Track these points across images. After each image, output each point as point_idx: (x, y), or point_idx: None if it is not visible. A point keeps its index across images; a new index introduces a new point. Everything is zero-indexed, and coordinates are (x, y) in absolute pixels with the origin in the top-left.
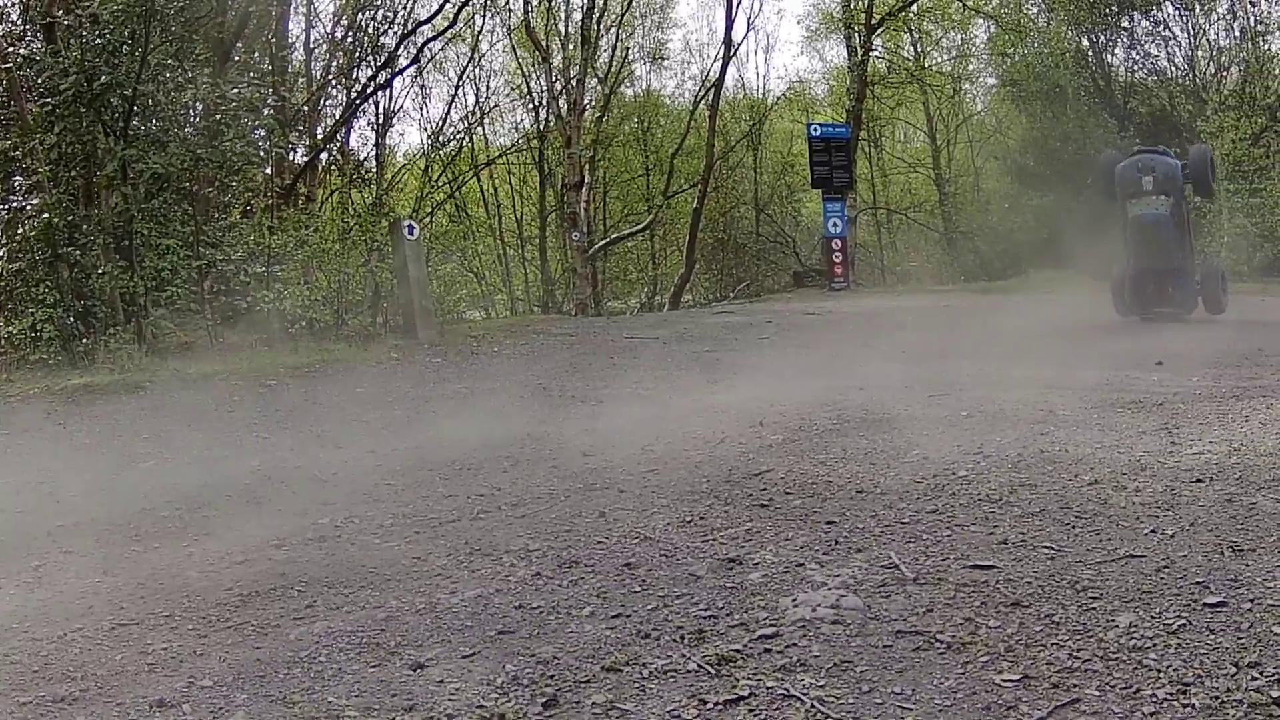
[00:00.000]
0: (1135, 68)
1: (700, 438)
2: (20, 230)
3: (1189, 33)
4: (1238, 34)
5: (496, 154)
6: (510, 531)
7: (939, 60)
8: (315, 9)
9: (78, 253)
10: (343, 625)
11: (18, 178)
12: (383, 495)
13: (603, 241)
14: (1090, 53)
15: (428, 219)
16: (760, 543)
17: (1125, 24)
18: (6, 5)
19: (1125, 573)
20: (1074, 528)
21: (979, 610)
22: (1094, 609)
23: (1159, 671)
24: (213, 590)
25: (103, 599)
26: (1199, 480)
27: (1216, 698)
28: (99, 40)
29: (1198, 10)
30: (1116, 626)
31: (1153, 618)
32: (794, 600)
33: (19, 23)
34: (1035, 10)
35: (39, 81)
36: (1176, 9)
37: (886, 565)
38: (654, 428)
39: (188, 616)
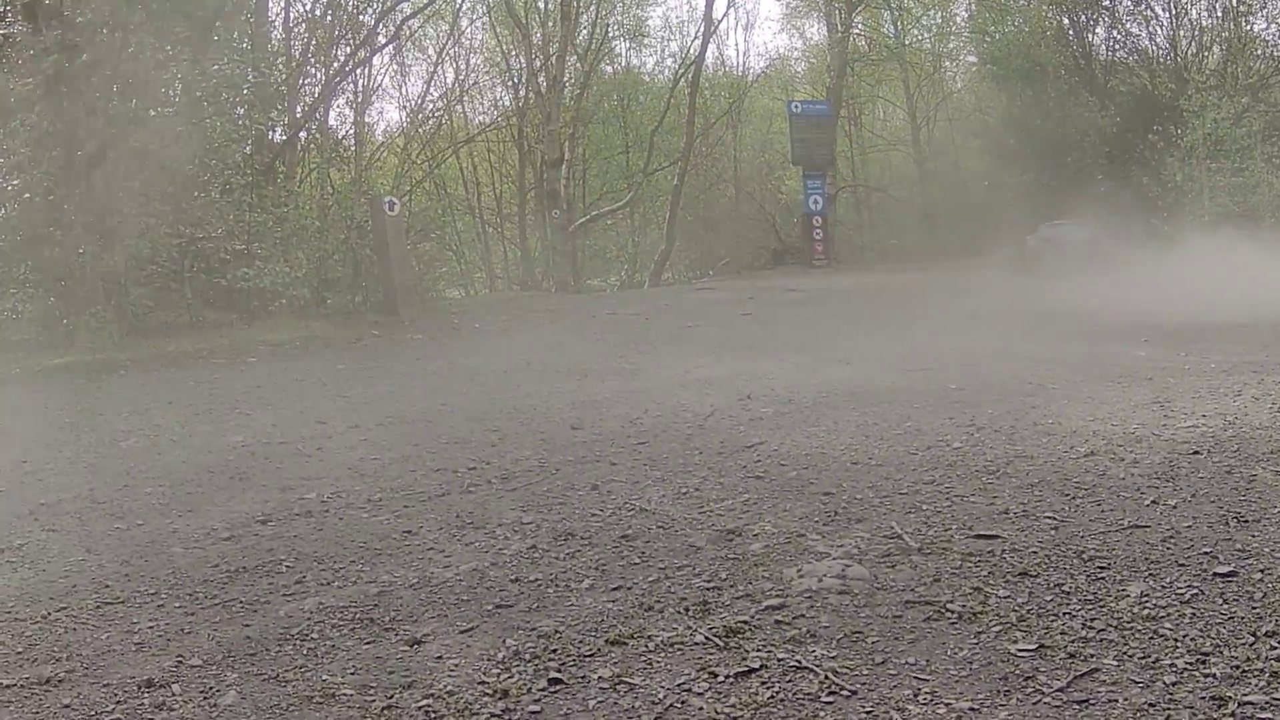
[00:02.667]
0: (1116, 47)
1: (689, 411)
2: (1, 211)
3: (1171, 12)
4: (1219, 14)
5: (476, 131)
6: (502, 504)
7: (919, 38)
8: None
9: (58, 233)
10: (334, 601)
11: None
12: (369, 470)
13: (582, 219)
14: (1071, 31)
15: (407, 197)
16: (758, 514)
17: (1106, 3)
18: None
19: (1131, 543)
20: (1074, 498)
21: (987, 580)
22: (1103, 579)
23: (1176, 641)
24: (199, 567)
25: (87, 578)
26: (1196, 452)
27: (1237, 667)
28: (80, 19)
29: None
30: (1128, 596)
31: (1164, 587)
32: (798, 571)
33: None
34: None
35: (19, 62)
36: None
37: (889, 535)
38: (641, 401)
39: (174, 594)
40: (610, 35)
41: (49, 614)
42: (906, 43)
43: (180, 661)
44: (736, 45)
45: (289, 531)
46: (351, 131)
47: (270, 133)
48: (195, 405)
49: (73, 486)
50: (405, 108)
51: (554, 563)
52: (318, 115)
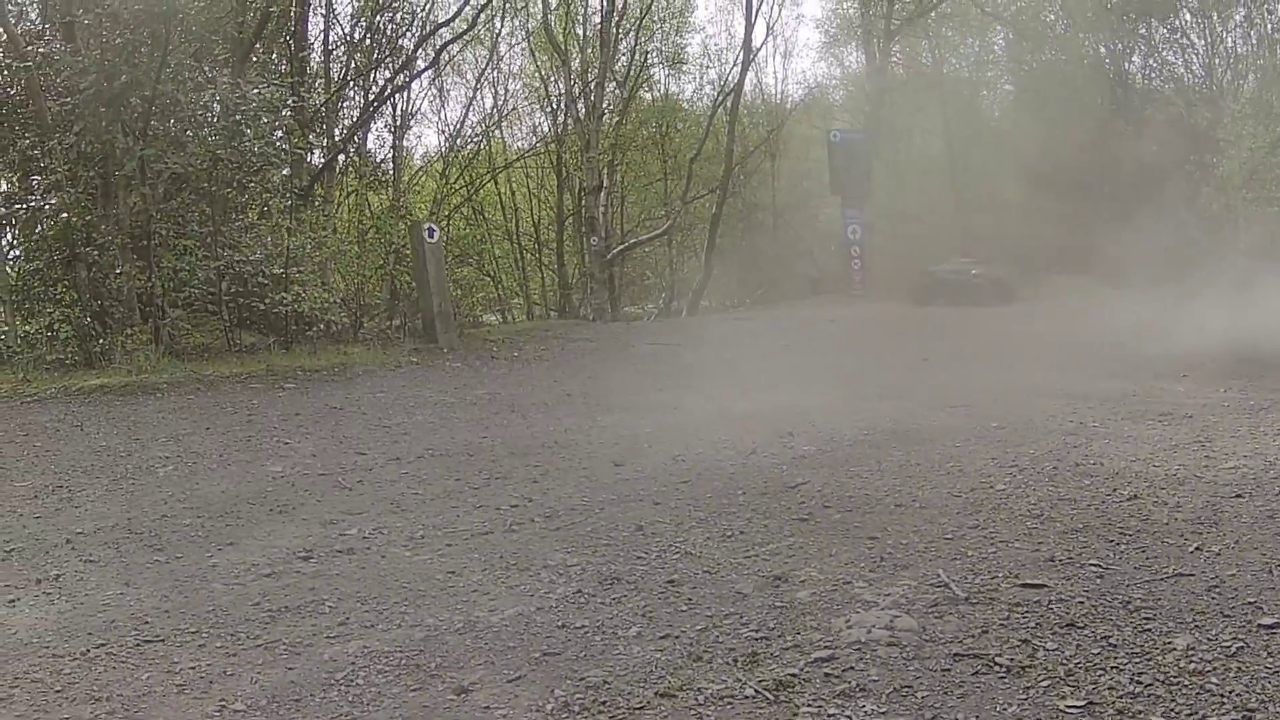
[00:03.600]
0: (1152, 75)
1: (731, 448)
2: (38, 230)
3: (1206, 40)
4: (1255, 41)
5: (514, 157)
6: (546, 545)
7: (957, 66)
8: (334, 10)
9: (95, 253)
10: (379, 645)
11: (36, 177)
12: (410, 505)
13: (621, 246)
14: (1107, 60)
15: (445, 222)
16: (804, 559)
17: (1143, 31)
18: (25, 3)
19: (1176, 592)
20: (1119, 545)
21: (1035, 631)
22: (1149, 630)
23: (1222, 697)
24: (240, 605)
25: (125, 613)
26: (1238, 495)
27: None
28: (119, 40)
29: (1215, 17)
30: (1174, 649)
31: (1209, 640)
32: (847, 621)
33: (38, 21)
34: (1053, 17)
35: (58, 81)
36: (1194, 16)
37: (936, 584)
38: (682, 436)
39: (215, 633)
40: (649, 62)
41: (87, 650)
42: (944, 71)
43: (223, 706)
44: (775, 73)
45: (331, 569)
46: (390, 155)
47: (309, 156)
48: (233, 432)
49: (110, 515)
50: (444, 132)
51: (600, 608)
52: (356, 138)
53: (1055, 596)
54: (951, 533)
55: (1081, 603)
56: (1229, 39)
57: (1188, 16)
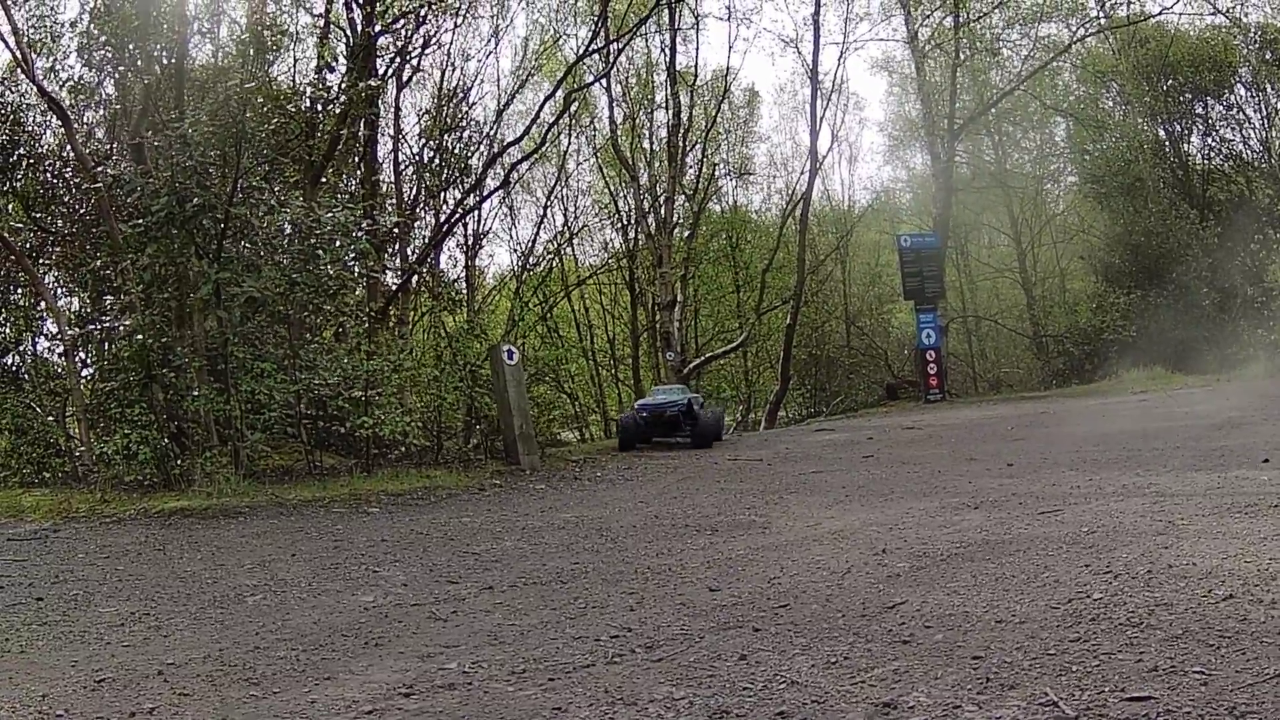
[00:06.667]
0: (1212, 154)
1: (825, 568)
2: (112, 349)
3: (1262, 113)
4: None
5: (587, 274)
6: (650, 678)
7: (1020, 161)
8: (402, 131)
9: (171, 374)
10: None
11: (109, 297)
12: (508, 637)
13: (697, 360)
14: (1167, 143)
15: (520, 341)
16: (911, 682)
17: (1199, 110)
18: (92, 124)
19: (1279, 693)
20: (1219, 649)
21: None
22: None
23: None
24: None
25: None
26: None
27: None
28: (189, 162)
29: (1269, 90)
30: None
31: None
32: None
33: (105, 141)
34: (1111, 104)
35: (128, 201)
36: (1248, 90)
37: (1045, 703)
38: (776, 557)
39: None
40: (716, 174)
41: None
42: (1008, 167)
43: None
44: (841, 179)
45: (434, 706)
46: (463, 274)
47: (382, 276)
48: (320, 559)
49: (201, 645)
50: (516, 250)
51: None
52: (429, 259)
53: (1162, 709)
54: (1054, 647)
55: (1189, 712)
56: None
57: (1242, 91)
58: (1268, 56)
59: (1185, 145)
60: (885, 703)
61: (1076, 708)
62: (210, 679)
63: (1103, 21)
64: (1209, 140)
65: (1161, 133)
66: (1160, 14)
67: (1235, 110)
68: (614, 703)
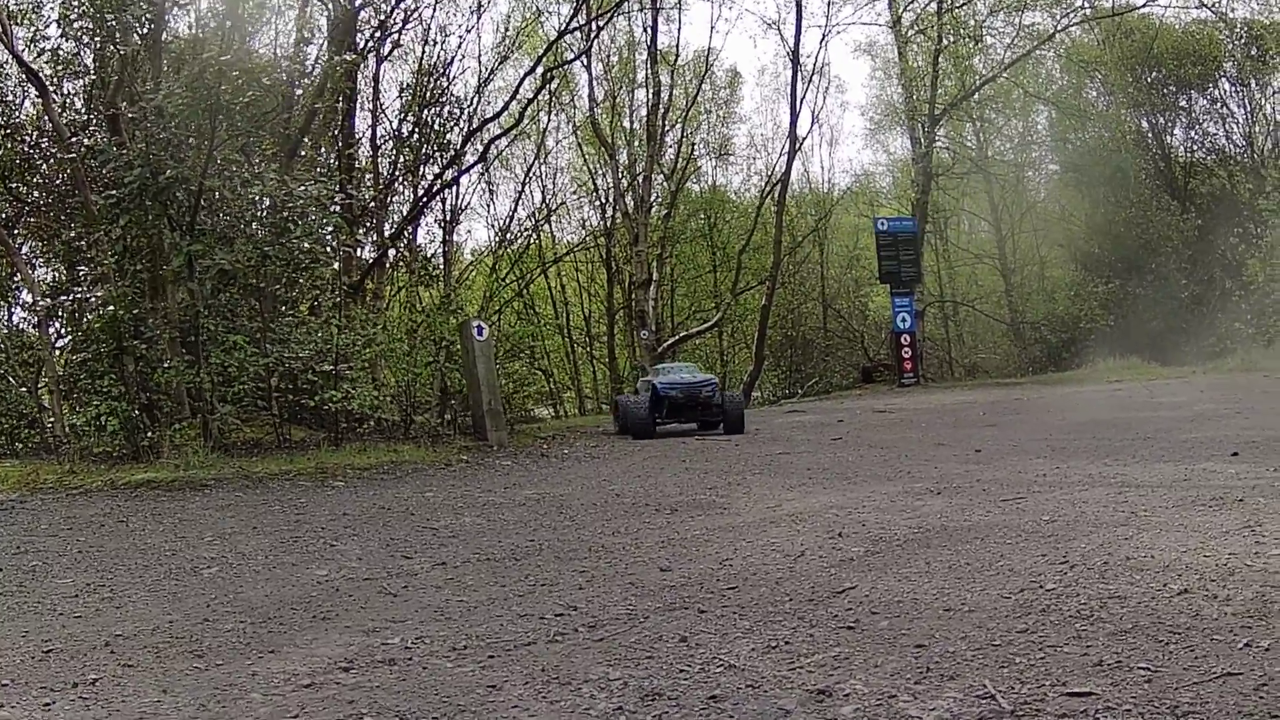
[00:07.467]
0: (1194, 147)
1: (779, 551)
2: (85, 321)
3: (1246, 108)
4: None
5: (564, 251)
6: (588, 657)
7: (1002, 149)
8: (381, 105)
9: (143, 346)
10: None
11: (83, 268)
12: (454, 613)
13: (672, 339)
14: (1150, 134)
15: (495, 316)
16: (849, 670)
17: (1183, 103)
18: (70, 94)
19: (1224, 693)
20: (1168, 645)
21: None
22: None
23: None
24: (277, 717)
25: None
26: None
27: None
28: (164, 134)
29: (1253, 85)
30: None
31: None
32: None
33: (83, 111)
34: (1095, 94)
35: (104, 172)
36: (1233, 85)
37: (982, 695)
38: (731, 539)
39: None
40: (696, 154)
41: None
42: (989, 154)
43: None
44: (821, 162)
45: (371, 681)
46: (440, 250)
47: (358, 251)
48: (281, 533)
49: (152, 617)
50: (493, 226)
51: None
52: (406, 234)
53: (1102, 705)
54: (1000, 638)
55: (1129, 709)
56: (1268, 106)
57: (1226, 85)
58: (1253, 52)
59: (1168, 137)
60: (821, 689)
61: (1014, 701)
62: (156, 650)
63: (1087, 11)
64: (1192, 133)
65: (1144, 124)
66: (1145, 6)
67: (1219, 104)
68: (549, 682)
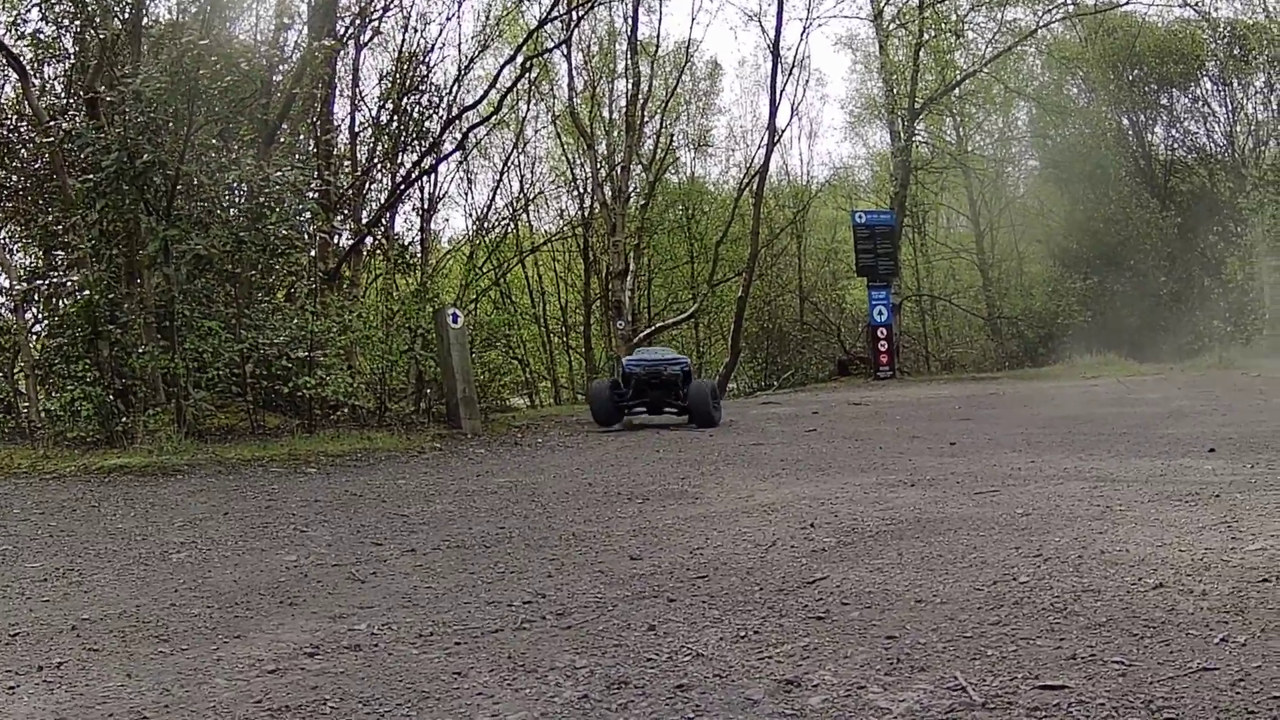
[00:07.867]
0: (1175, 145)
1: (750, 541)
2: (60, 305)
3: (1227, 108)
4: (1276, 107)
5: (541, 240)
6: (556, 645)
7: (981, 144)
8: (361, 93)
9: (118, 331)
10: None
11: (59, 252)
12: (422, 599)
13: (647, 330)
14: (1131, 132)
15: (472, 305)
16: (819, 661)
17: (1164, 101)
18: (50, 78)
19: (1200, 688)
20: (1143, 639)
21: None
22: None
23: None
24: (240, 702)
25: (124, 706)
26: (1265, 580)
27: None
28: (141, 118)
29: (1235, 85)
30: None
31: None
32: None
33: (62, 95)
34: (1076, 91)
35: (81, 156)
36: (1214, 84)
37: (953, 687)
38: (703, 528)
39: None
40: (674, 145)
41: None
42: (969, 149)
43: None
44: (800, 154)
45: (335, 667)
46: (418, 238)
47: (335, 238)
48: (251, 518)
49: (119, 601)
50: (471, 215)
51: (605, 714)
52: (383, 221)
53: (1075, 699)
54: (972, 630)
55: (1103, 704)
56: (1249, 106)
57: (1208, 85)
58: (1235, 52)
59: (1149, 135)
60: (789, 679)
61: (985, 694)
62: (122, 635)
63: (1070, 8)
64: (1173, 132)
65: (1125, 122)
66: (1127, 4)
67: (1200, 103)
68: (515, 669)
